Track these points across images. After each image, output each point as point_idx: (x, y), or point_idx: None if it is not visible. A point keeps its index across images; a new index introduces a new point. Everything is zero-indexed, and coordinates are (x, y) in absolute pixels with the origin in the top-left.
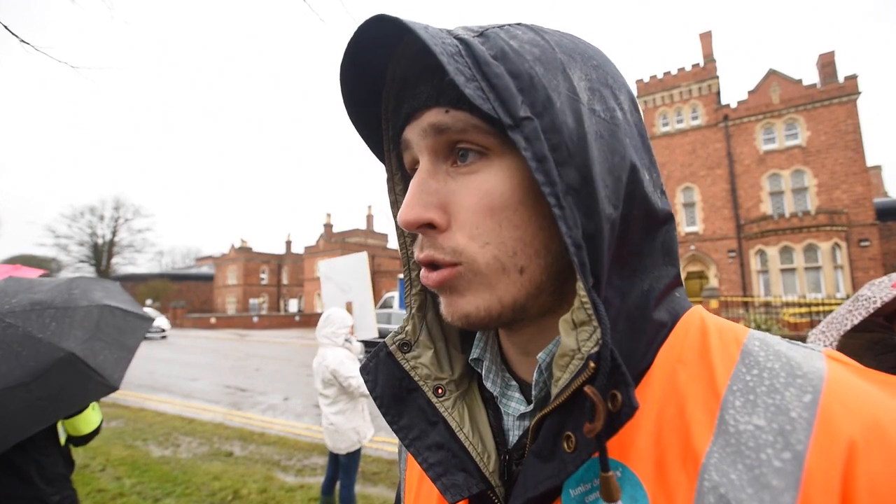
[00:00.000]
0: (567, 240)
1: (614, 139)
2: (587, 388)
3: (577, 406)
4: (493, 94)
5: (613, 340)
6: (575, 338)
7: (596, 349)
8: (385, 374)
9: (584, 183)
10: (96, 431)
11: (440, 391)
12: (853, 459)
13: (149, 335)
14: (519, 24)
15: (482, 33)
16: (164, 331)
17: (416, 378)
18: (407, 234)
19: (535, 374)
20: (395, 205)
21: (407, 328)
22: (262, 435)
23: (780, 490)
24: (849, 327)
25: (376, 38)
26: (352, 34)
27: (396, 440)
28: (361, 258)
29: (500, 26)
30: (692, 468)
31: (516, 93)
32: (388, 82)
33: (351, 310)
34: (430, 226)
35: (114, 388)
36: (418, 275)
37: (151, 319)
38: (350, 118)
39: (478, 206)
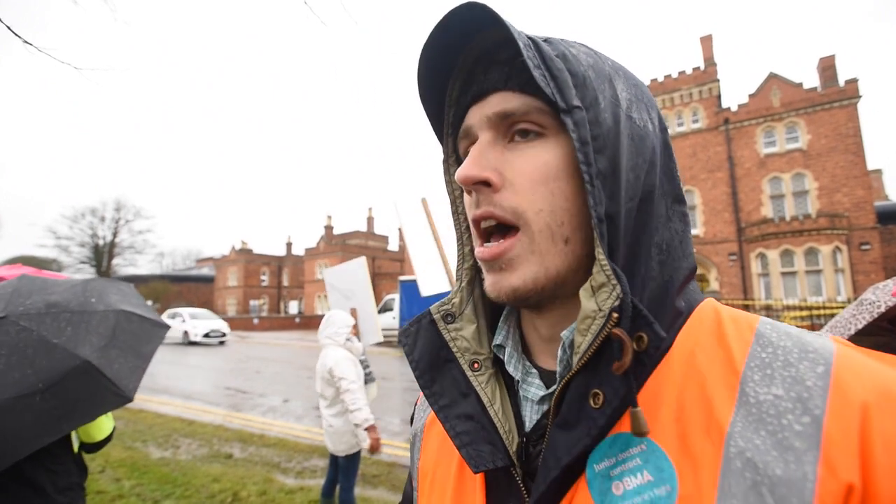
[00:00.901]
0: (592, 212)
1: (642, 144)
2: (614, 330)
3: (603, 363)
4: (554, 83)
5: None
6: (595, 301)
7: (617, 302)
8: (424, 340)
9: (612, 172)
10: (109, 438)
11: (476, 366)
12: (868, 420)
13: (206, 340)
14: (575, 41)
15: (547, 39)
16: (224, 334)
17: (455, 350)
18: (461, 212)
19: (559, 352)
20: (450, 184)
21: (454, 300)
22: (261, 437)
23: (803, 450)
24: (853, 331)
25: (455, 33)
26: (442, 17)
27: (396, 442)
28: (360, 263)
29: (562, 39)
30: (717, 437)
31: (572, 86)
32: (457, 70)
33: (356, 315)
34: (485, 184)
35: (128, 400)
36: (471, 250)
37: (167, 326)
38: (421, 100)
39: (534, 174)
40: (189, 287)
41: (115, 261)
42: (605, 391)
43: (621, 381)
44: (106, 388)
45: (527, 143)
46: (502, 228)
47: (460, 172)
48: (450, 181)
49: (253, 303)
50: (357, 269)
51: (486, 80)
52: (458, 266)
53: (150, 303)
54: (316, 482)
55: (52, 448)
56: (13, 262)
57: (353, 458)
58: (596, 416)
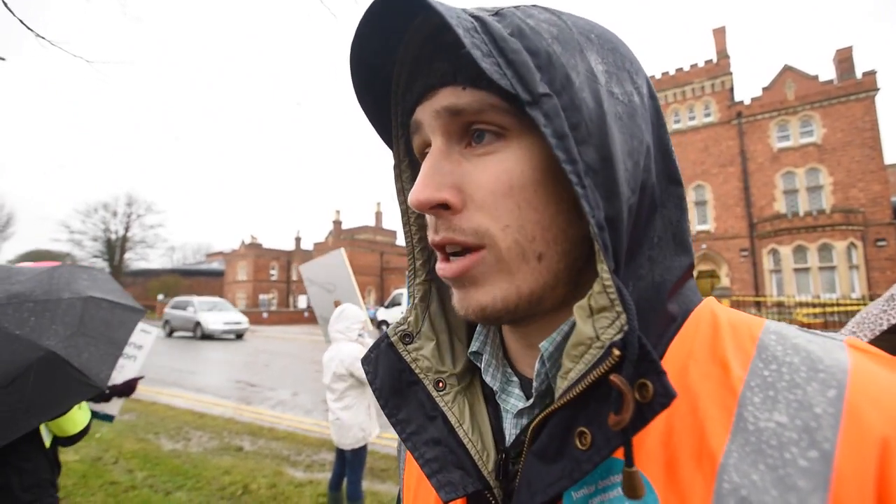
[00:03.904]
0: (591, 220)
1: (633, 123)
2: (613, 377)
3: (594, 399)
4: (511, 70)
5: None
6: (592, 325)
7: (620, 336)
8: (385, 366)
9: (603, 164)
10: (85, 431)
11: (441, 385)
12: (888, 459)
13: None
14: (534, 5)
15: (498, 12)
16: None
17: (418, 371)
18: (412, 223)
19: (536, 365)
20: (402, 192)
21: (409, 319)
22: (271, 430)
23: (808, 491)
24: (885, 327)
25: (388, 18)
26: (364, 12)
27: None
28: (339, 255)
29: (516, 7)
30: (709, 469)
31: (534, 69)
32: (398, 63)
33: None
34: (443, 207)
35: (100, 389)
36: (423, 264)
37: (143, 311)
38: (359, 101)
39: (495, 186)
40: (199, 281)
41: (126, 255)
42: (593, 433)
43: (616, 434)
44: (74, 379)
45: (486, 149)
46: (468, 249)
47: (412, 197)
48: (401, 190)
49: (262, 297)
50: (337, 262)
51: (431, 74)
52: (409, 282)
53: (161, 296)
54: (325, 475)
55: (21, 445)
56: (27, 257)
57: (360, 452)
58: (581, 460)
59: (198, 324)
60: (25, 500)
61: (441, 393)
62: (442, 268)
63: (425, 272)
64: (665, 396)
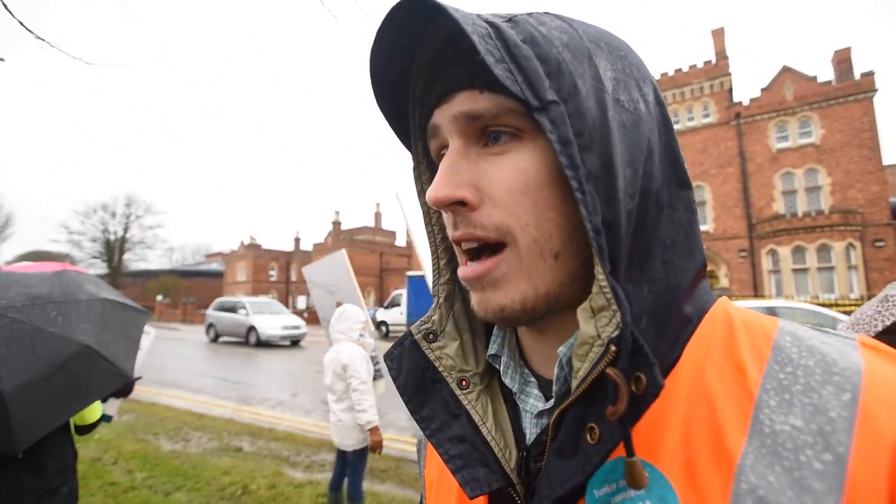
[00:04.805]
0: (587, 224)
1: (636, 131)
2: (609, 370)
3: (600, 395)
4: (522, 76)
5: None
6: (594, 325)
7: (616, 333)
8: (409, 363)
9: (604, 171)
10: (99, 421)
11: (464, 383)
12: None
13: None
14: (546, 12)
15: (511, 19)
16: None
17: (441, 369)
18: (434, 223)
19: (555, 369)
20: (422, 193)
21: (434, 317)
22: (270, 431)
23: (823, 493)
24: (880, 328)
25: (406, 22)
26: (384, 16)
27: (404, 438)
28: (340, 256)
29: (529, 13)
30: (727, 469)
31: (544, 76)
32: (416, 67)
33: None
34: (461, 204)
35: (128, 379)
36: (447, 263)
37: (147, 312)
38: (378, 104)
39: (513, 184)
40: (199, 282)
41: (125, 256)
42: (600, 428)
43: (618, 425)
44: (107, 369)
45: (502, 148)
46: (487, 247)
47: (430, 194)
48: (421, 191)
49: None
50: (338, 263)
51: (449, 79)
52: (434, 281)
53: (160, 297)
54: (324, 476)
55: (53, 431)
56: (27, 257)
57: (361, 453)
58: (591, 453)
59: (251, 328)
60: (58, 482)
61: (465, 391)
62: (463, 270)
63: (449, 271)
64: (655, 387)
